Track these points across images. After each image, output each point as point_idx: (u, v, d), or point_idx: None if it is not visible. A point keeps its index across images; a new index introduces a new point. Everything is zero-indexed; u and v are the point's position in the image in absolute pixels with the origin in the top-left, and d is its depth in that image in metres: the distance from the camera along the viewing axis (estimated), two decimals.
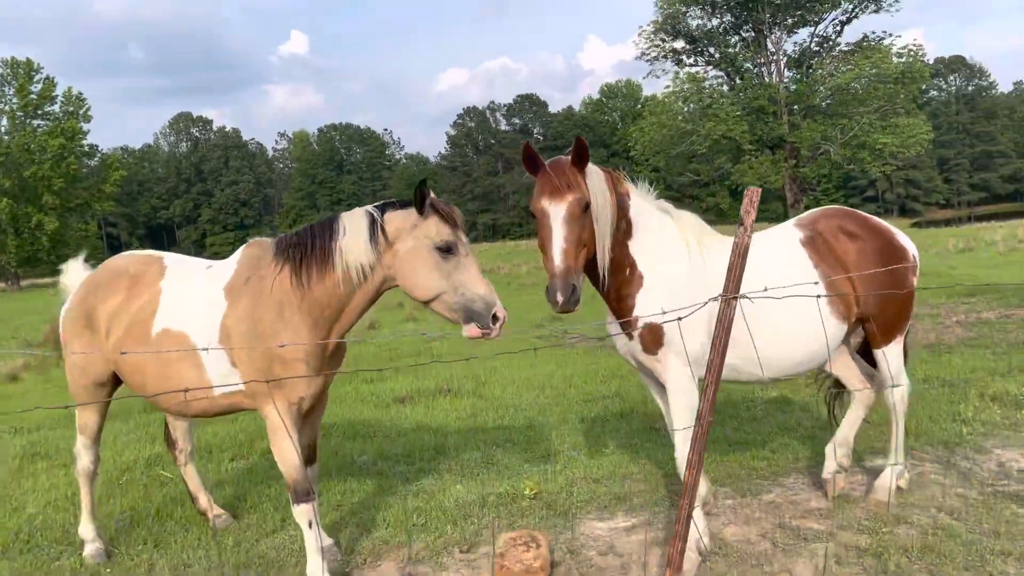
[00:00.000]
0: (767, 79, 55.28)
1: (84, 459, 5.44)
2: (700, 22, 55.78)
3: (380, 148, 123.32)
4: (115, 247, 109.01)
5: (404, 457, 7.35)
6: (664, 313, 4.31)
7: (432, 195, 4.30)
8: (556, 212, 4.12)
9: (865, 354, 5.50)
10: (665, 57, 56.65)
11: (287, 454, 4.53)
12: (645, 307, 4.52)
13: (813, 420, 7.59)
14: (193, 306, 4.72)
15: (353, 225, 4.41)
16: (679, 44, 56.37)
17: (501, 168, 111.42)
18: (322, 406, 5.07)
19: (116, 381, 5.23)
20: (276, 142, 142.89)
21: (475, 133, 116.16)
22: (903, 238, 5.13)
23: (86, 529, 5.51)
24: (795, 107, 53.57)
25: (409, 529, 5.51)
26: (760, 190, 3.88)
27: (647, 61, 56.62)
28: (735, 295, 3.90)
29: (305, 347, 4.51)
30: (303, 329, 4.51)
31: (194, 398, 4.61)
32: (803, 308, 4.72)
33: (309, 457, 5.00)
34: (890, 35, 53.17)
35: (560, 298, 3.96)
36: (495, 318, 4.20)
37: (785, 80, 55.35)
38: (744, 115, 52.09)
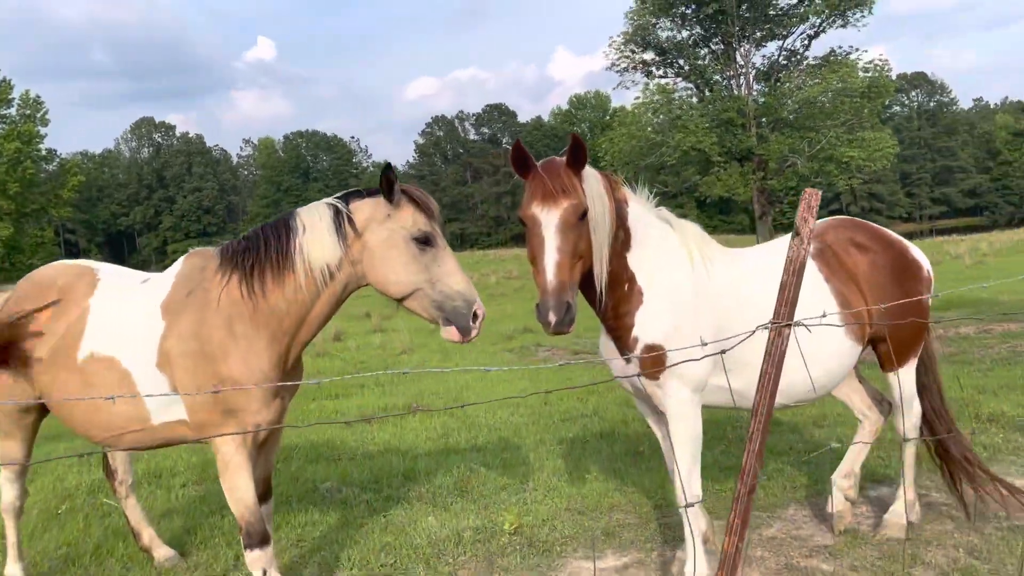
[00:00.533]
0: (736, 91, 55.53)
1: (8, 495, 4.84)
2: (670, 34, 55.93)
3: (347, 156, 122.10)
4: (73, 254, 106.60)
5: (371, 483, 6.82)
6: (704, 345, 3.82)
7: (399, 183, 3.97)
8: (549, 219, 3.66)
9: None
10: (635, 68, 56.72)
11: (241, 493, 4.00)
12: (645, 325, 4.07)
13: (804, 442, 7.20)
14: (126, 326, 4.14)
15: (313, 220, 3.98)
16: (649, 55, 56.44)
17: (470, 177, 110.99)
18: (278, 433, 4.53)
19: (44, 408, 4.64)
20: (241, 148, 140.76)
21: (444, 142, 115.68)
22: (916, 251, 4.74)
23: (13, 571, 4.90)
24: (763, 120, 53.85)
25: (376, 571, 4.99)
26: (819, 193, 3.44)
27: (617, 72, 56.64)
28: (789, 322, 3.39)
29: (261, 366, 4.00)
30: (258, 344, 4.00)
31: (127, 430, 4.07)
32: (817, 327, 4.32)
33: (263, 493, 4.46)
34: (857, 50, 53.81)
35: (553, 318, 3.49)
36: (475, 316, 3.90)
37: (754, 93, 55.66)
38: (713, 127, 52.19)
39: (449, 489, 6.52)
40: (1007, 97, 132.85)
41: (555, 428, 8.59)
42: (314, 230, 3.95)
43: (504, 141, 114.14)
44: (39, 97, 74.07)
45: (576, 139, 3.74)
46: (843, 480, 5.03)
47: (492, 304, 26.08)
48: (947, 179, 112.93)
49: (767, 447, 6.96)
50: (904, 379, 4.69)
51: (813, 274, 4.46)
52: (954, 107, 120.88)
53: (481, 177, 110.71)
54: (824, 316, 4.05)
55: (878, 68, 52.58)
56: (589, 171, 3.87)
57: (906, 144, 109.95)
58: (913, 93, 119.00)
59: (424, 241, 3.92)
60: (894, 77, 54.71)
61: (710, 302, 4.14)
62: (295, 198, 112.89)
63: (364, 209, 3.98)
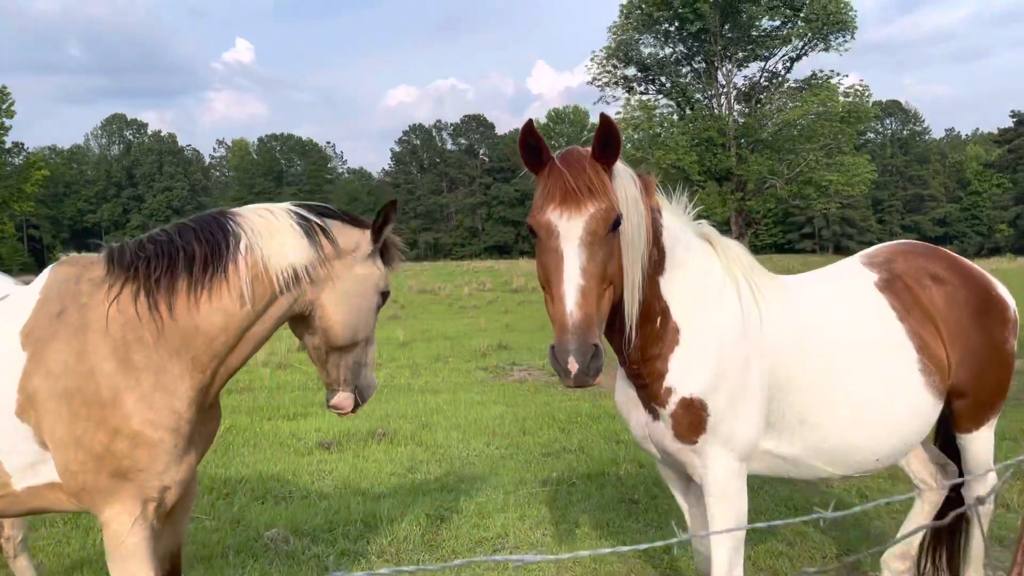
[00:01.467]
0: (717, 111, 55.35)
1: None
2: (652, 51, 55.69)
3: (322, 161, 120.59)
4: (36, 250, 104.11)
5: (324, 532, 5.84)
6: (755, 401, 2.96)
7: (392, 217, 3.51)
8: (571, 230, 2.77)
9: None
10: (616, 84, 56.34)
11: None
12: (682, 373, 3.19)
13: (819, 494, 6.35)
14: None
15: (269, 219, 3.27)
16: (631, 71, 56.11)
17: (445, 187, 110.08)
18: (191, 495, 3.54)
19: None
20: (214, 149, 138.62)
21: (420, 151, 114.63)
22: (1000, 287, 3.90)
23: None
24: (743, 140, 53.64)
25: None
26: None
27: (598, 86, 56.25)
28: None
29: (173, 405, 3.06)
30: (172, 376, 3.06)
31: None
32: (895, 377, 3.48)
33: (168, 574, 3.47)
34: (838, 74, 53.89)
35: (574, 365, 2.59)
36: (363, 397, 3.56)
37: (734, 113, 55.50)
38: (693, 145, 51.87)
39: (415, 543, 5.58)
40: (978, 128, 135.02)
41: (536, 464, 7.67)
42: (273, 228, 3.25)
43: (481, 152, 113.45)
44: (5, 88, 72.09)
45: (607, 122, 2.84)
46: (898, 563, 4.18)
47: (465, 317, 25.16)
48: (918, 207, 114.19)
49: (778, 499, 6.07)
50: (983, 442, 3.85)
51: (884, 311, 3.62)
52: (927, 136, 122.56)
53: (457, 187, 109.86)
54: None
55: (858, 93, 52.73)
56: (622, 167, 2.99)
57: (879, 171, 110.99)
58: (887, 121, 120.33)
59: (383, 298, 3.52)
60: (871, 104, 54.87)
61: (763, 345, 3.28)
62: (267, 201, 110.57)
63: (351, 235, 3.40)
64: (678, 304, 3.21)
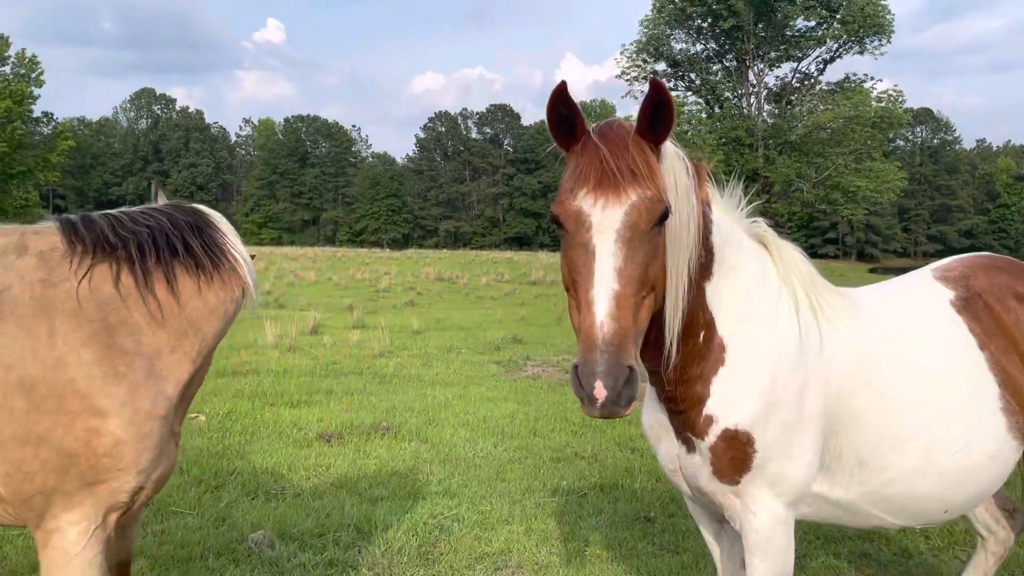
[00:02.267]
0: (746, 110, 54.52)
1: None
2: (684, 47, 55.02)
3: (347, 144, 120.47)
4: None
5: (313, 537, 5.42)
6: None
7: None
8: (607, 222, 2.27)
9: None
10: (645, 79, 55.53)
11: None
12: (726, 399, 2.71)
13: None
14: None
15: (234, 235, 3.22)
16: (660, 67, 55.37)
17: (468, 176, 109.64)
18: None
19: None
20: (240, 128, 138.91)
21: (445, 138, 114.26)
22: None
23: None
24: (772, 141, 52.80)
25: None
26: None
27: (626, 81, 55.53)
28: None
29: (166, 392, 2.78)
30: (169, 361, 2.81)
31: None
32: (973, 416, 2.98)
33: None
34: (871, 78, 52.85)
35: (602, 393, 2.10)
36: None
37: (764, 113, 54.64)
38: (720, 144, 51.09)
39: (411, 555, 5.14)
40: (1009, 140, 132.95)
41: (546, 471, 7.21)
42: (236, 236, 3.22)
43: (506, 142, 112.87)
44: (35, 57, 72.41)
45: (658, 87, 2.33)
46: None
47: (481, 308, 24.73)
48: (944, 217, 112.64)
49: (802, 525, 5.56)
50: None
51: (963, 337, 3.11)
52: (957, 146, 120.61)
53: (480, 176, 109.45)
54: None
55: (891, 99, 51.71)
56: (671, 148, 2.49)
57: (907, 179, 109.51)
58: (918, 129, 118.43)
59: None
60: (903, 111, 53.83)
61: (822, 371, 2.79)
62: (290, 182, 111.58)
63: None
64: (725, 316, 2.72)
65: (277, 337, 15.37)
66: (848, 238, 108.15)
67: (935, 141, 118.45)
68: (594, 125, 2.42)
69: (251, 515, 5.77)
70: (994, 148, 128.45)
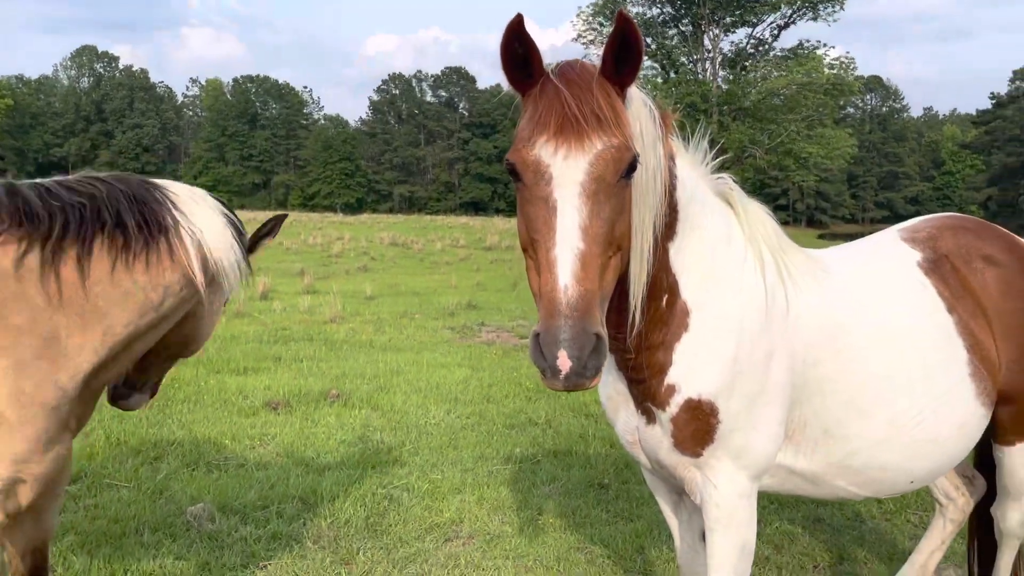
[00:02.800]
0: (701, 76, 54.54)
1: None
2: (640, 10, 54.55)
3: (298, 106, 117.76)
4: None
5: (256, 509, 5.21)
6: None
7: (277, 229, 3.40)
8: (570, 173, 2.04)
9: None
10: (601, 42, 55.09)
11: None
12: (689, 367, 2.55)
13: None
14: None
15: (206, 213, 2.92)
16: None
17: (423, 139, 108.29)
18: (59, 483, 2.84)
19: None
20: (187, 88, 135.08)
21: (399, 101, 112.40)
22: None
23: None
24: (726, 107, 52.95)
25: None
26: None
27: (583, 44, 54.95)
28: None
29: (59, 381, 2.52)
30: (66, 345, 2.55)
31: None
32: (941, 383, 2.88)
33: (32, 570, 2.81)
34: (824, 45, 53.20)
35: (566, 363, 1.89)
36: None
37: (719, 79, 54.72)
38: (674, 110, 50.93)
39: (358, 527, 4.96)
40: (955, 109, 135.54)
41: (499, 438, 7.08)
42: (208, 217, 2.93)
43: (461, 106, 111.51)
44: None
45: (625, 22, 2.08)
46: None
47: (436, 274, 24.45)
48: (892, 184, 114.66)
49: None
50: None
51: (931, 300, 2.99)
52: (905, 114, 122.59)
53: (435, 140, 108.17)
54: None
55: (843, 66, 52.21)
56: (637, 92, 2.27)
57: (857, 146, 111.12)
58: (868, 96, 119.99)
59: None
60: (854, 78, 54.37)
61: (789, 337, 2.65)
62: (240, 144, 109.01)
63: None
64: (689, 279, 2.55)
65: (226, 302, 14.96)
66: (799, 204, 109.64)
67: (884, 109, 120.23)
68: (553, 65, 2.19)
69: (191, 487, 5.53)
70: (940, 116, 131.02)
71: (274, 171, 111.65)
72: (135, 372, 3.05)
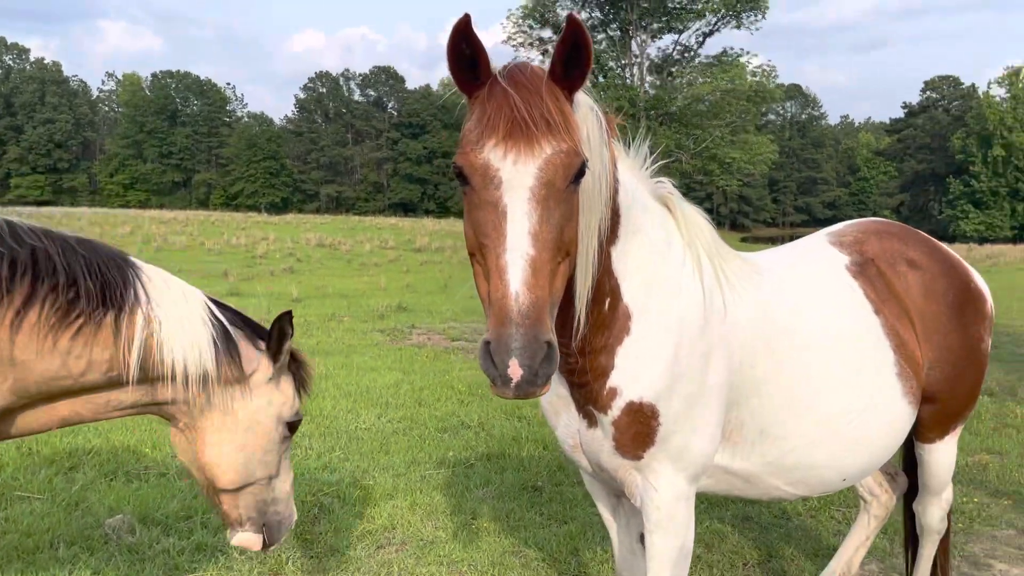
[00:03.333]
0: (629, 80, 55.37)
1: None
2: None
3: (220, 103, 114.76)
4: None
5: (179, 520, 5.02)
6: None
7: (289, 330, 2.87)
8: (519, 178, 2.00)
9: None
10: (531, 45, 55.55)
11: None
12: (632, 371, 2.54)
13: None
14: None
15: (180, 305, 2.67)
16: (546, 33, 55.33)
17: (351, 139, 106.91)
18: None
19: None
20: (103, 82, 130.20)
21: (326, 100, 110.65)
22: (978, 277, 3.44)
23: None
24: (653, 112, 53.87)
25: None
26: None
27: (512, 47, 55.23)
28: None
29: None
30: None
31: None
32: (870, 382, 2.95)
33: None
34: (747, 53, 54.72)
35: (518, 372, 1.85)
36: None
37: (646, 84, 55.64)
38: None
39: (287, 537, 4.82)
40: (870, 117, 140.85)
41: (431, 442, 7.00)
42: (182, 310, 2.68)
43: (390, 106, 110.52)
44: None
45: (575, 26, 2.07)
46: None
47: (365, 275, 24.14)
48: (810, 189, 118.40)
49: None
50: (945, 455, 3.40)
51: (859, 302, 3.07)
52: (823, 121, 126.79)
53: (363, 140, 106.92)
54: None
55: (765, 73, 53.83)
56: (583, 97, 2.26)
57: (778, 152, 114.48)
58: (788, 104, 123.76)
59: (291, 428, 2.96)
60: (775, 86, 56.05)
61: (727, 340, 2.67)
62: (159, 141, 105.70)
63: (249, 355, 2.82)
64: (631, 283, 2.54)
65: None
66: (723, 208, 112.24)
67: (803, 116, 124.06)
68: (501, 68, 2.15)
69: (109, 498, 5.30)
70: (856, 124, 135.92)
71: (195, 169, 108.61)
72: (220, 514, 2.93)
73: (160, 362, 2.57)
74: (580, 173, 2.09)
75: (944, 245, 3.45)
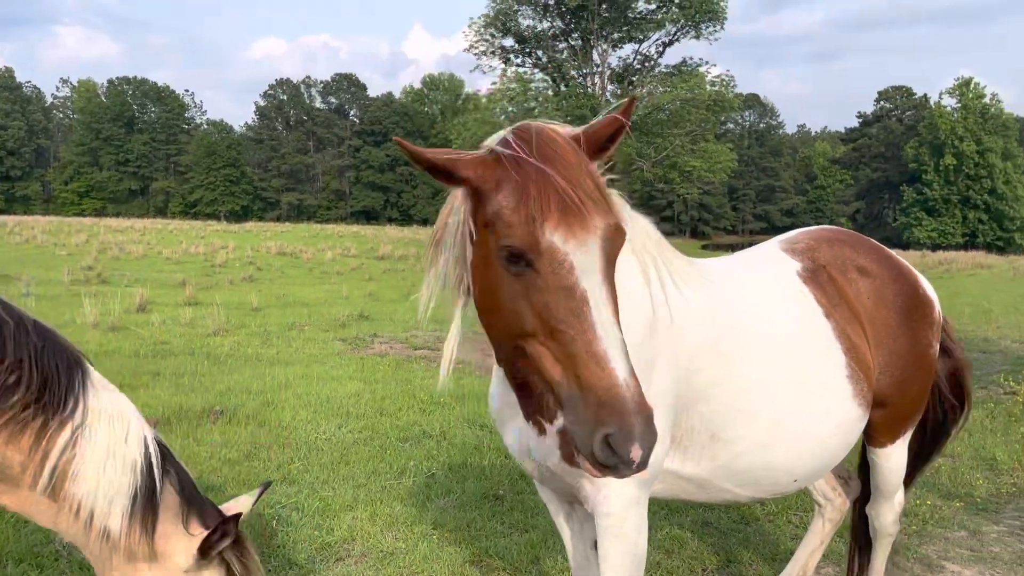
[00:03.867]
0: (591, 89, 55.74)
1: None
2: (531, 23, 55.36)
3: (179, 110, 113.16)
4: None
5: None
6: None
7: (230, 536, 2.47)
8: (591, 262, 1.96)
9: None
10: (493, 53, 55.81)
11: None
12: None
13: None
14: None
15: (106, 442, 2.35)
16: (508, 42, 55.63)
17: (312, 147, 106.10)
18: None
19: None
20: (57, 89, 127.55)
21: (287, 107, 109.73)
22: (927, 284, 3.52)
23: None
24: None
25: None
26: None
27: (475, 55, 55.45)
28: None
29: None
30: None
31: None
32: (821, 385, 2.99)
33: None
34: (706, 63, 55.43)
35: (638, 453, 1.83)
36: None
37: (607, 93, 56.05)
38: (566, 122, 51.72)
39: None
40: (826, 126, 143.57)
41: (392, 452, 6.96)
42: (111, 445, 2.35)
43: (352, 113, 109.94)
44: None
45: (630, 110, 2.15)
46: None
47: (326, 284, 23.95)
48: (769, 197, 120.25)
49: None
50: (896, 459, 3.46)
51: (810, 306, 3.13)
52: (780, 130, 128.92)
53: (325, 147, 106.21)
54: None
55: (724, 83, 54.50)
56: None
57: (737, 160, 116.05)
58: (747, 113, 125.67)
59: None
60: (734, 95, 56.86)
61: (675, 346, 2.69)
62: (116, 149, 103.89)
63: (176, 538, 2.43)
64: None
65: (98, 316, 14.15)
66: (683, 216, 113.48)
67: (762, 125, 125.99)
68: (513, 129, 2.11)
69: None
70: (812, 133, 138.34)
71: (153, 177, 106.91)
72: None
73: (69, 495, 2.30)
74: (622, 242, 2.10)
75: (893, 252, 3.52)
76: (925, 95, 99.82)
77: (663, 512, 5.46)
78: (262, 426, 7.73)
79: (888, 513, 3.57)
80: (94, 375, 2.47)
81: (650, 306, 2.63)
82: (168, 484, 2.48)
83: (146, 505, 2.36)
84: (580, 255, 1.95)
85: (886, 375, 3.23)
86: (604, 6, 53.95)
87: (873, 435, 3.39)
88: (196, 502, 2.54)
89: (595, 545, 3.03)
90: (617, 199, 2.19)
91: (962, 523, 5.50)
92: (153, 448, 2.45)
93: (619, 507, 2.62)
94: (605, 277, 1.98)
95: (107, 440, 2.34)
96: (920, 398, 3.41)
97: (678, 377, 2.71)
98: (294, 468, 6.39)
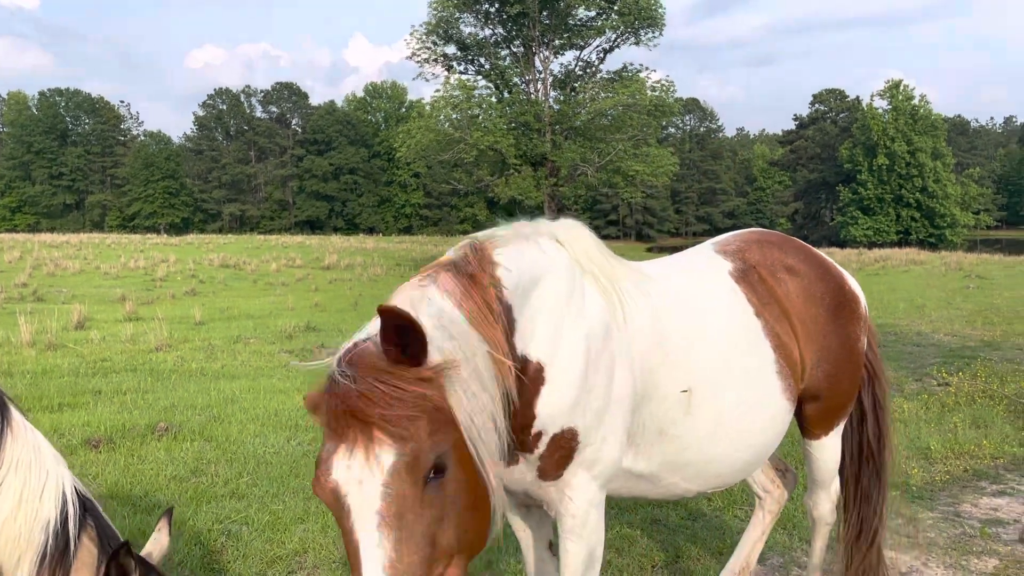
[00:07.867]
0: (534, 96, 56.12)
1: None
2: (472, 30, 55.58)
3: (114, 121, 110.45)
4: None
5: None
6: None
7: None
8: (366, 500, 1.81)
9: None
10: (435, 61, 55.81)
11: None
12: (551, 409, 2.56)
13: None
14: None
15: (19, 492, 2.28)
16: (450, 49, 55.72)
17: (254, 156, 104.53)
18: None
19: None
20: None
21: (227, 117, 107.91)
22: (852, 280, 3.67)
23: None
24: (558, 126, 54.73)
25: None
26: None
27: (417, 63, 55.37)
28: None
29: None
30: None
31: None
32: (753, 381, 3.11)
33: None
34: (646, 68, 56.28)
35: None
36: None
37: (550, 99, 56.50)
38: (511, 129, 52.30)
39: (193, 567, 4.70)
40: (764, 129, 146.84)
41: None
42: (22, 496, 2.28)
43: (294, 122, 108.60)
44: None
45: (384, 313, 1.91)
46: None
47: (271, 295, 23.65)
48: (711, 199, 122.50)
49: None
50: (831, 450, 3.60)
51: (742, 305, 3.24)
52: (720, 134, 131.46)
53: (266, 157, 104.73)
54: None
55: (664, 88, 55.37)
56: (433, 332, 2.07)
57: (679, 164, 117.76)
58: (687, 117, 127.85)
59: None
60: (674, 100, 57.81)
61: (627, 351, 2.77)
62: (49, 162, 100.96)
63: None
64: (538, 341, 2.54)
65: (34, 334, 13.76)
66: (628, 220, 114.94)
67: (702, 129, 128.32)
68: (335, 362, 1.92)
69: None
70: (751, 136, 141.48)
71: (89, 190, 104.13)
72: None
73: None
74: (439, 468, 1.83)
75: (819, 252, 3.68)
76: (857, 97, 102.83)
77: (614, 511, 5.55)
78: (209, 441, 7.63)
79: (825, 503, 3.72)
80: (16, 419, 2.38)
81: (604, 315, 2.70)
82: (86, 539, 2.40)
83: (58, 563, 2.29)
84: (357, 491, 1.76)
85: (818, 369, 3.37)
86: (545, 13, 54.43)
87: (808, 428, 3.53)
88: (110, 540, 2.48)
89: (551, 546, 3.10)
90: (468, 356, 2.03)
91: (898, 511, 5.70)
92: (72, 500, 2.37)
93: (582, 508, 2.69)
94: (387, 516, 1.75)
95: (19, 495, 2.27)
96: (851, 391, 3.56)
97: (634, 378, 2.79)
98: (243, 483, 6.32)
